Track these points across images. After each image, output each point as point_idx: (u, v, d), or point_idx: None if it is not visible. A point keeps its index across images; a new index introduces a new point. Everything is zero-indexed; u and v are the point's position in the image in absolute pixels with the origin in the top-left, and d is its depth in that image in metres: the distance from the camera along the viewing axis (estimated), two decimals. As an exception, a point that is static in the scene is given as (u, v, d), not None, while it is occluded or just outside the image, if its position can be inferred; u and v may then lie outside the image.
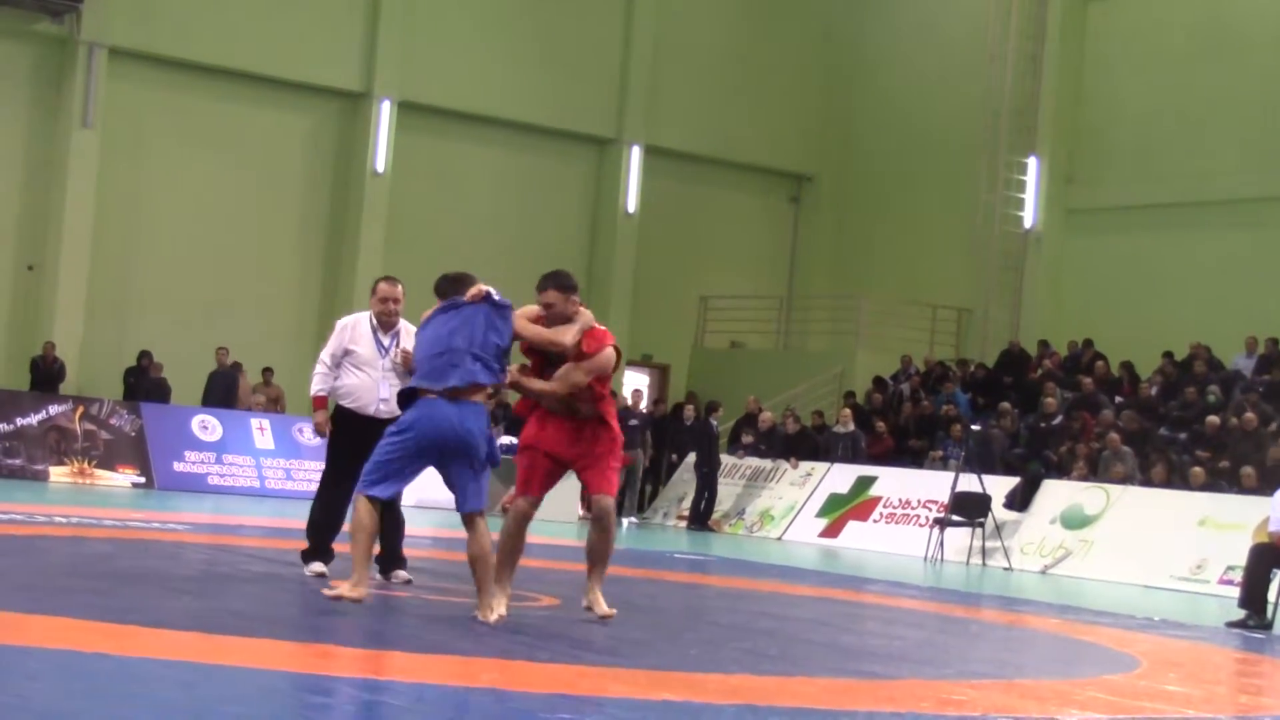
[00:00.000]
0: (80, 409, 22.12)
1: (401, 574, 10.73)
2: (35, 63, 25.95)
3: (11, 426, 21.48)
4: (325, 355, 10.70)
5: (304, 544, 10.86)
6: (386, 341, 10.64)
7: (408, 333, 10.73)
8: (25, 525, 13.62)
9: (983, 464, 21.34)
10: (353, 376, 10.59)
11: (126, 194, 26.50)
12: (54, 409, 21.96)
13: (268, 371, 25.70)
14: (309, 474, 21.99)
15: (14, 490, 18.85)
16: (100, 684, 6.16)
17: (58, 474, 21.53)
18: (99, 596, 8.77)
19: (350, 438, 10.57)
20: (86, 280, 25.87)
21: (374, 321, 10.69)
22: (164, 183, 26.86)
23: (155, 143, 26.79)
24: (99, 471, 21.78)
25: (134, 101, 26.37)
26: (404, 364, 10.45)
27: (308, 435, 22.54)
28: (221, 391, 24.82)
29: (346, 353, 10.62)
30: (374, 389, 10.54)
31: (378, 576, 10.59)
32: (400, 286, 10.81)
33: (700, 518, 23.82)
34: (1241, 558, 14.93)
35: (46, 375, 24.19)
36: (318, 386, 10.78)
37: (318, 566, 10.65)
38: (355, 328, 10.70)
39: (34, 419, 21.67)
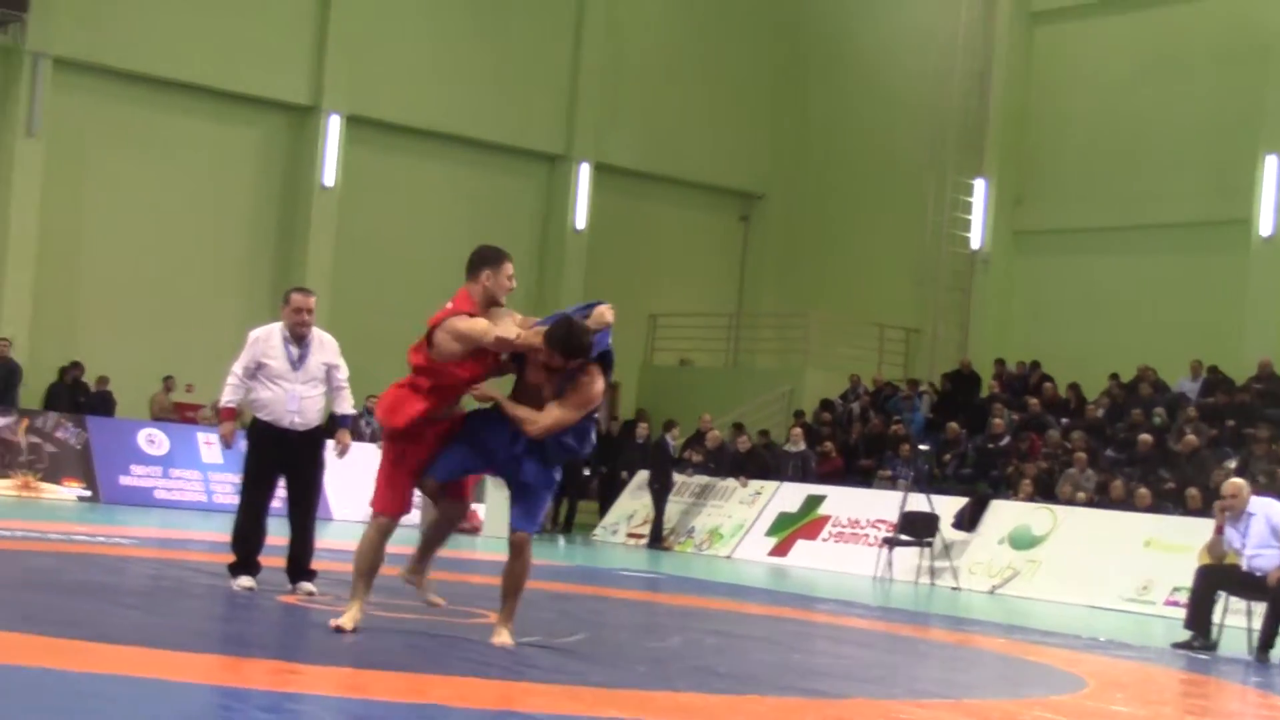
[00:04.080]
0: (25, 421, 21.89)
1: (306, 585, 10.61)
2: (-20, 72, 25.76)
3: (-46, 439, 21.26)
4: (237, 367, 10.63)
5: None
6: (298, 354, 10.57)
7: (321, 344, 10.66)
8: (-33, 539, 13.49)
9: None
10: (266, 390, 10.55)
11: (71, 205, 26.27)
12: (-2, 421, 21.75)
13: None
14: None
15: (-44, 503, 18.68)
16: (45, 700, 6.10)
17: (2, 486, 21.30)
18: (44, 611, 8.69)
19: (267, 450, 10.61)
20: (31, 292, 25.63)
21: (286, 333, 10.61)
22: (110, 194, 26.66)
23: (101, 154, 26.59)
24: (44, 485, 21.55)
25: (79, 112, 26.17)
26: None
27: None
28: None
29: (259, 365, 10.54)
30: (286, 402, 10.47)
31: (288, 586, 10.59)
32: (314, 298, 10.75)
33: (655, 535, 23.76)
34: (1187, 579, 15.03)
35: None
36: (227, 398, 10.76)
37: (246, 581, 10.62)
38: (268, 340, 10.63)
39: (-23, 431, 21.46)
